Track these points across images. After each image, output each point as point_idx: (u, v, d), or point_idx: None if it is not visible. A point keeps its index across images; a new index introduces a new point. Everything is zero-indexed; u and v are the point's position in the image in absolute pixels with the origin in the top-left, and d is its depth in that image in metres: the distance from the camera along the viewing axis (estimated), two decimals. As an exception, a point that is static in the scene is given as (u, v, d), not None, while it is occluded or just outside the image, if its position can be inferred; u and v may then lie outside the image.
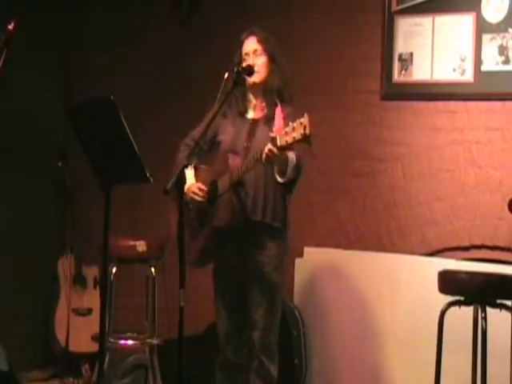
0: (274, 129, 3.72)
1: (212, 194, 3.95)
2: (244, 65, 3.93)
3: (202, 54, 5.49)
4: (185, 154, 3.94)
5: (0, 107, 5.26)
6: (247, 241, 3.93)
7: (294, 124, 3.50)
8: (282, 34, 4.94)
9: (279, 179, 3.82)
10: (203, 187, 3.96)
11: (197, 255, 4.01)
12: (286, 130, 3.53)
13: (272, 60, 3.98)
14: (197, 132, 4.04)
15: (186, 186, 3.96)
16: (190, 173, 4.01)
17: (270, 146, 3.60)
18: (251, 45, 3.99)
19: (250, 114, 4.03)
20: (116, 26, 5.84)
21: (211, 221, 3.95)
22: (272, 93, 3.95)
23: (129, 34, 5.78)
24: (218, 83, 3.84)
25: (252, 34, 4.01)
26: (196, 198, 3.96)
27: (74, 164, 5.48)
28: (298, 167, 3.80)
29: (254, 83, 3.96)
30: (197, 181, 4.01)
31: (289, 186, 3.89)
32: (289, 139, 3.52)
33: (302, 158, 3.81)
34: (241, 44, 4.02)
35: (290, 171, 3.78)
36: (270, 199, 3.92)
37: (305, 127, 3.45)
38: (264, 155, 3.64)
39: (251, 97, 4.03)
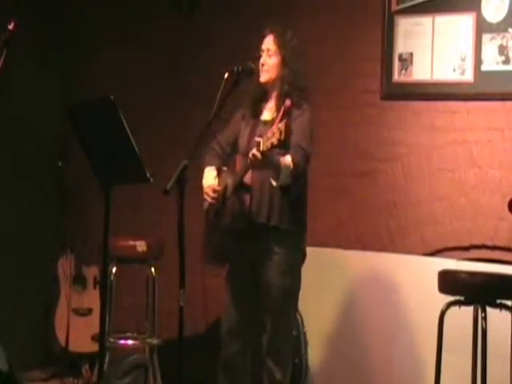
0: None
1: (224, 196, 4.01)
2: (245, 64, 3.94)
3: (202, 53, 5.49)
4: (210, 158, 4.12)
5: (0, 107, 5.26)
6: (255, 244, 3.94)
7: (274, 129, 3.57)
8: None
9: (273, 183, 3.84)
10: (217, 188, 4.03)
11: (213, 254, 4.07)
12: (268, 135, 3.61)
13: (284, 62, 3.97)
14: (221, 136, 4.15)
15: (204, 186, 4.07)
16: (210, 173, 4.10)
17: (253, 150, 3.66)
18: (267, 43, 4.00)
19: (264, 116, 4.06)
20: (116, 26, 5.84)
21: (221, 222, 3.99)
22: (281, 97, 3.95)
23: (129, 33, 5.78)
24: (219, 83, 3.84)
25: (271, 32, 4.01)
26: (207, 198, 4.05)
27: (74, 164, 5.48)
28: (295, 173, 3.81)
29: (264, 82, 3.99)
30: (219, 183, 4.07)
31: (288, 190, 3.89)
32: (268, 144, 3.60)
33: (300, 163, 3.82)
34: (261, 39, 4.04)
35: (284, 176, 3.79)
36: (275, 202, 3.93)
37: (280, 133, 3.53)
38: (248, 160, 3.71)
39: (268, 98, 4.05)
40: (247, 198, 3.90)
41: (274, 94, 4.01)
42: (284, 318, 4.01)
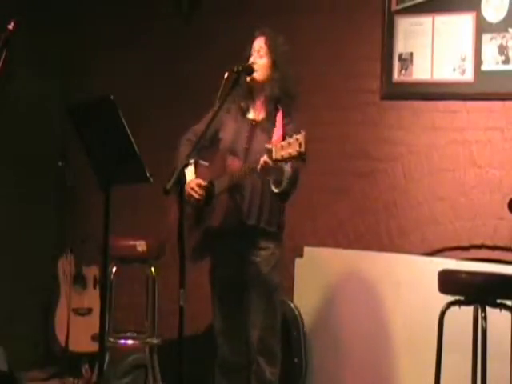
0: (274, 137, 3.74)
1: (209, 192, 3.97)
2: (244, 63, 3.94)
3: (202, 53, 5.49)
4: (187, 150, 3.93)
5: (0, 107, 5.26)
6: (242, 243, 3.94)
7: (291, 139, 3.52)
8: (282, 33, 4.95)
9: (274, 190, 3.82)
10: (202, 183, 3.97)
11: (191, 250, 4.00)
12: (282, 144, 3.56)
13: (274, 65, 3.96)
14: (199, 127, 4.04)
15: (186, 182, 3.95)
16: (190, 169, 4.00)
17: (265, 157, 3.62)
18: (258, 43, 4.00)
19: (251, 115, 4.03)
20: (116, 26, 5.84)
21: (206, 220, 3.97)
22: (271, 100, 3.95)
23: (129, 33, 5.79)
24: (219, 83, 3.84)
25: (262, 34, 4.02)
26: (193, 194, 3.96)
27: (74, 164, 5.48)
28: (292, 180, 3.81)
29: (252, 80, 3.96)
30: (197, 176, 4.01)
31: (283, 197, 3.89)
32: (284, 154, 3.54)
33: (297, 170, 3.82)
34: (252, 40, 4.03)
35: (284, 183, 3.79)
36: (266, 204, 3.93)
37: (300, 144, 3.48)
38: (259, 166, 3.66)
39: (255, 98, 4.03)
40: (238, 198, 3.90)
41: (262, 96, 4.00)
42: (273, 315, 4.01)
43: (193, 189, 3.97)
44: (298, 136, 3.49)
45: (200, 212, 4.01)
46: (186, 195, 3.95)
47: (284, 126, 3.81)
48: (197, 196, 3.97)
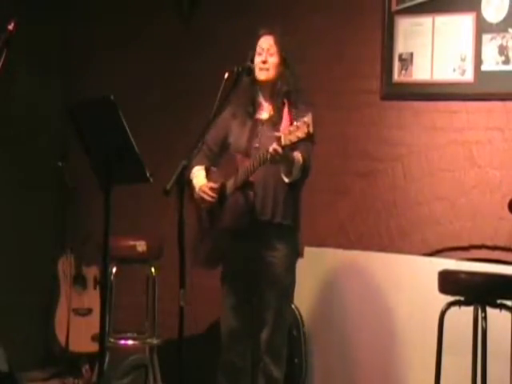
0: (281, 127, 3.75)
1: (221, 195, 3.96)
2: (244, 64, 3.94)
3: (202, 53, 5.49)
4: (197, 158, 3.96)
5: (0, 107, 5.26)
6: (257, 242, 3.93)
7: (299, 123, 3.55)
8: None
9: (285, 179, 3.84)
10: (215, 186, 3.97)
11: (206, 256, 4.02)
12: (290, 129, 3.59)
13: (284, 63, 3.98)
14: (208, 135, 4.03)
15: (197, 186, 3.99)
16: (200, 173, 4.05)
17: (274, 145, 3.63)
18: (267, 42, 4.00)
19: (259, 114, 4.04)
20: (116, 26, 5.84)
21: (219, 222, 3.96)
22: (279, 96, 3.95)
23: (129, 33, 5.79)
24: (219, 83, 3.84)
25: (270, 33, 4.02)
26: (206, 197, 3.97)
27: (74, 164, 5.48)
28: (304, 168, 3.83)
29: (262, 81, 3.98)
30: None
31: (295, 186, 3.90)
32: (293, 138, 3.57)
33: (308, 159, 3.83)
34: (258, 38, 4.03)
35: (296, 171, 3.81)
36: (279, 198, 3.93)
37: (308, 125, 3.52)
38: (269, 155, 3.67)
39: (261, 97, 4.03)
40: (251, 195, 3.89)
41: (270, 94, 4.01)
42: (283, 315, 4.02)
43: (204, 191, 3.97)
44: (306, 118, 3.54)
45: (213, 215, 4.00)
46: (197, 199, 3.98)
47: (291, 119, 3.80)
48: (209, 198, 3.97)
